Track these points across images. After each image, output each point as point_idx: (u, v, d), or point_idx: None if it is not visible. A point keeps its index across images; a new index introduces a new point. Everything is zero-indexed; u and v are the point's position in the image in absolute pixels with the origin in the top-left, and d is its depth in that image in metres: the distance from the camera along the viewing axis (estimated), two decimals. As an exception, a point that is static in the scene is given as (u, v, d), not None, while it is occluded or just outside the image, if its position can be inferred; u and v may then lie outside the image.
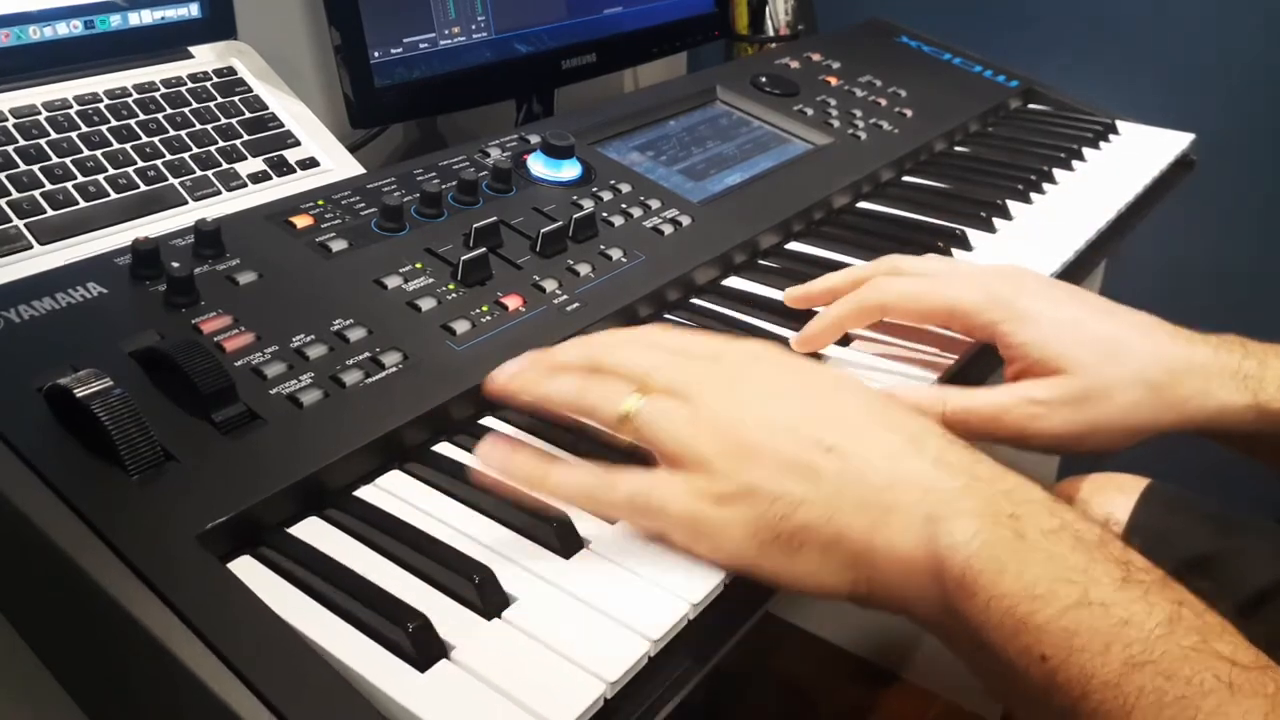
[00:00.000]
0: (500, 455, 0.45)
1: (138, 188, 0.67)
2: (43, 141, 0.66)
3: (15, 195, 0.62)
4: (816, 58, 1.03)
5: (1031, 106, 1.11)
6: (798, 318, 0.63)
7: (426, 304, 0.55)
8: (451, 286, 0.57)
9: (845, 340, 0.62)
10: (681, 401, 0.44)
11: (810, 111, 0.91)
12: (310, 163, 0.74)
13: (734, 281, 0.69)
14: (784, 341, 0.61)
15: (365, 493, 0.47)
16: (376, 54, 0.80)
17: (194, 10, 0.77)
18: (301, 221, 0.59)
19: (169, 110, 0.72)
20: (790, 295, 0.63)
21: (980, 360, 0.62)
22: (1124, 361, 0.55)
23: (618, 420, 0.45)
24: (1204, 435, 0.57)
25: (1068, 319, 0.56)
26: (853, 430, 0.43)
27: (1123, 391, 0.54)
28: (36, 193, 0.63)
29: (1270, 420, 0.55)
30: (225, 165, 0.71)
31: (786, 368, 0.48)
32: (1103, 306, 0.58)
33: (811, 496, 0.41)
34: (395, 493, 0.47)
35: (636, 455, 0.47)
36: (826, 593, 0.42)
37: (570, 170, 0.71)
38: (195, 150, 0.71)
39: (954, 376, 0.61)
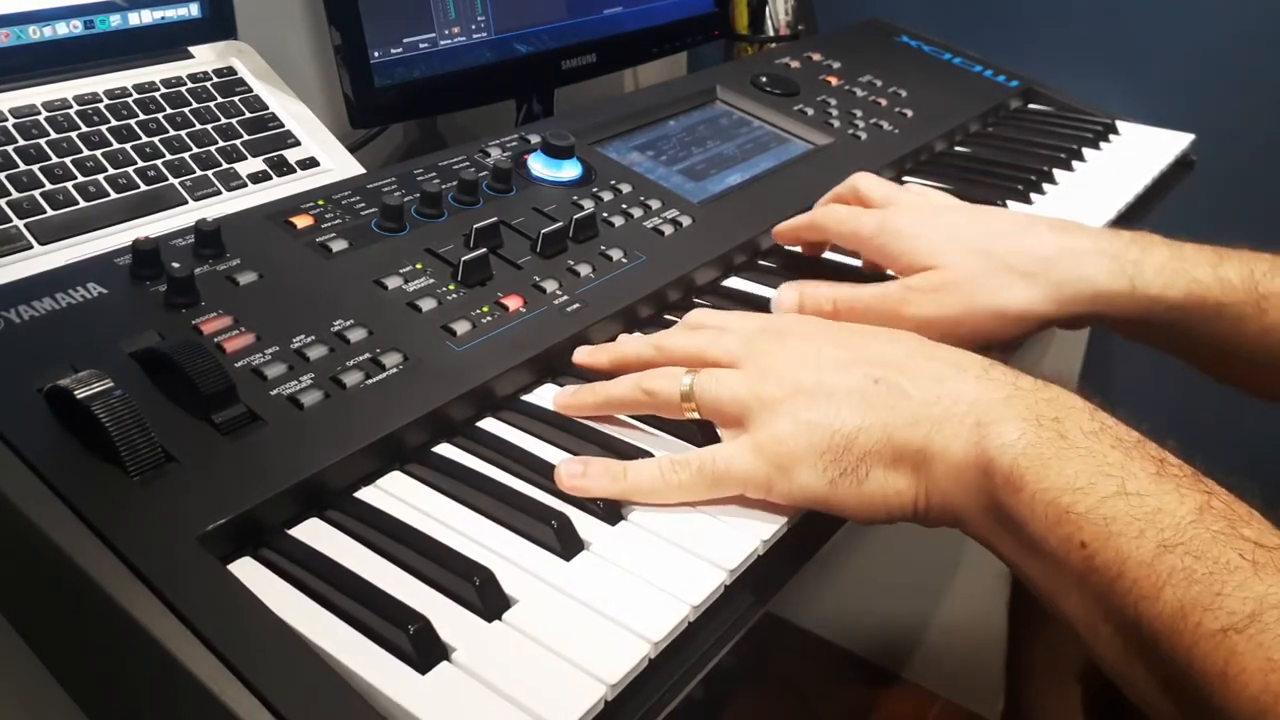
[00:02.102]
0: (577, 475, 0.47)
1: (138, 188, 0.67)
2: (43, 141, 0.66)
3: (15, 195, 0.62)
4: (816, 58, 1.03)
5: (1031, 106, 1.11)
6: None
7: (427, 304, 0.55)
8: (452, 287, 0.57)
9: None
10: (738, 368, 0.49)
11: (810, 111, 0.91)
12: (310, 163, 0.74)
13: (734, 282, 0.69)
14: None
15: (366, 494, 0.47)
16: (376, 54, 0.79)
17: (194, 10, 0.77)
18: (301, 221, 0.59)
19: (169, 110, 0.72)
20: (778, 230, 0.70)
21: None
22: (993, 254, 0.60)
23: (680, 400, 0.49)
24: (1097, 324, 0.61)
25: (944, 229, 0.61)
26: (898, 363, 0.47)
27: (990, 278, 0.59)
28: (36, 193, 0.63)
29: (1145, 306, 0.59)
30: (225, 165, 0.71)
31: (827, 325, 0.53)
32: (986, 215, 0.64)
33: (868, 422, 0.45)
34: (396, 494, 0.47)
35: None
36: (893, 512, 0.45)
37: (570, 170, 0.71)
38: (195, 150, 0.71)
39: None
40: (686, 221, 0.70)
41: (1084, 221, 0.81)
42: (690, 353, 0.51)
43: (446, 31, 0.85)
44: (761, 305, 0.65)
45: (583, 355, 0.56)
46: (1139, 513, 0.38)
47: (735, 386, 0.48)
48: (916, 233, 0.61)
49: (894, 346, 0.49)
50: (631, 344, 0.55)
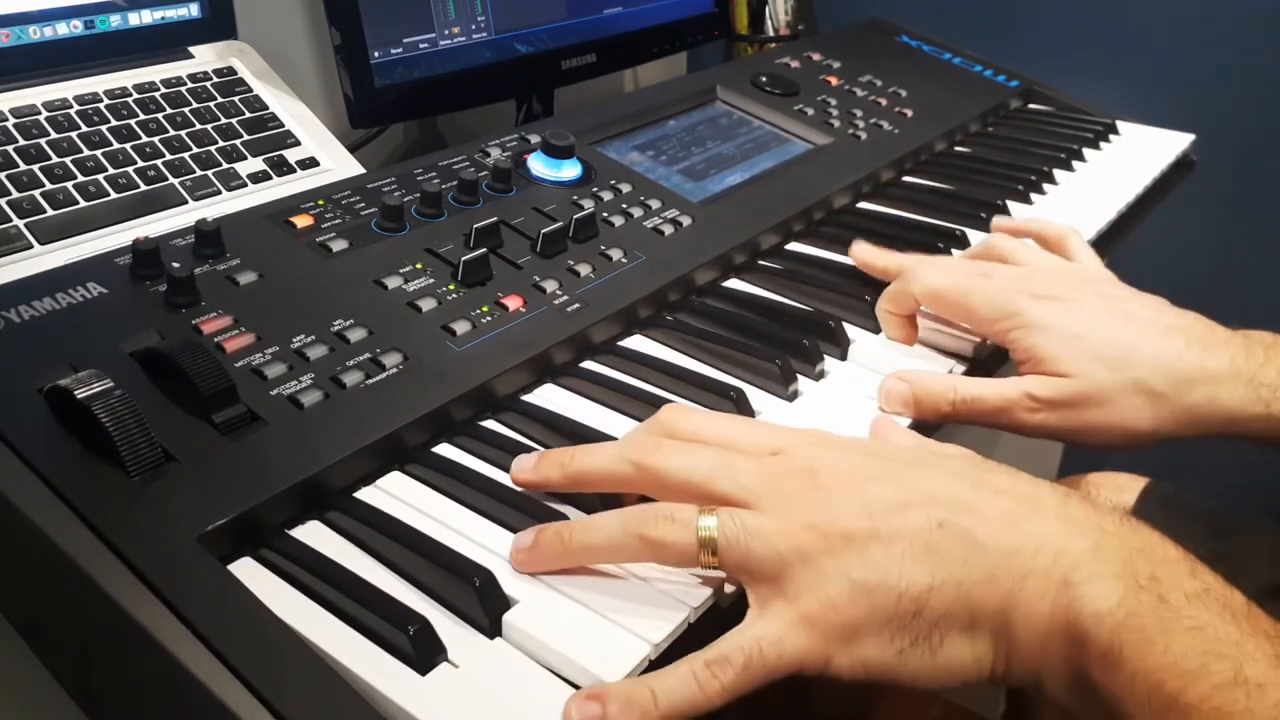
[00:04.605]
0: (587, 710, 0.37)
1: (138, 187, 0.67)
2: (43, 141, 0.66)
3: (15, 195, 0.62)
4: (816, 58, 1.03)
5: (1031, 106, 1.11)
6: (799, 317, 0.64)
7: (427, 304, 0.55)
8: (452, 287, 0.57)
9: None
10: (758, 508, 0.40)
11: (810, 111, 0.91)
12: (310, 163, 0.74)
13: (734, 282, 0.69)
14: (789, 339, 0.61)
15: (366, 494, 0.47)
16: (376, 54, 0.79)
17: (194, 10, 0.77)
18: (302, 221, 0.59)
19: (169, 110, 0.72)
20: (857, 253, 0.68)
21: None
22: (1128, 369, 0.55)
23: (697, 551, 0.39)
24: (1218, 438, 0.57)
25: (1076, 328, 0.57)
26: (962, 501, 0.40)
27: (1122, 398, 0.55)
28: (37, 192, 0.63)
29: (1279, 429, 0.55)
30: (225, 165, 0.71)
31: (861, 450, 0.44)
32: (1122, 309, 0.58)
33: (939, 579, 0.38)
34: (396, 494, 0.47)
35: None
36: (969, 679, 0.39)
37: (570, 170, 0.71)
38: (195, 150, 0.71)
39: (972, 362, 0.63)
40: (686, 221, 0.70)
41: (1083, 222, 0.82)
42: (691, 482, 0.41)
43: (446, 31, 0.85)
44: (761, 305, 0.66)
45: (524, 468, 0.45)
46: (1259, 708, 0.33)
47: (769, 537, 0.39)
48: (1041, 326, 0.57)
49: (952, 479, 0.41)
50: (597, 456, 0.43)
